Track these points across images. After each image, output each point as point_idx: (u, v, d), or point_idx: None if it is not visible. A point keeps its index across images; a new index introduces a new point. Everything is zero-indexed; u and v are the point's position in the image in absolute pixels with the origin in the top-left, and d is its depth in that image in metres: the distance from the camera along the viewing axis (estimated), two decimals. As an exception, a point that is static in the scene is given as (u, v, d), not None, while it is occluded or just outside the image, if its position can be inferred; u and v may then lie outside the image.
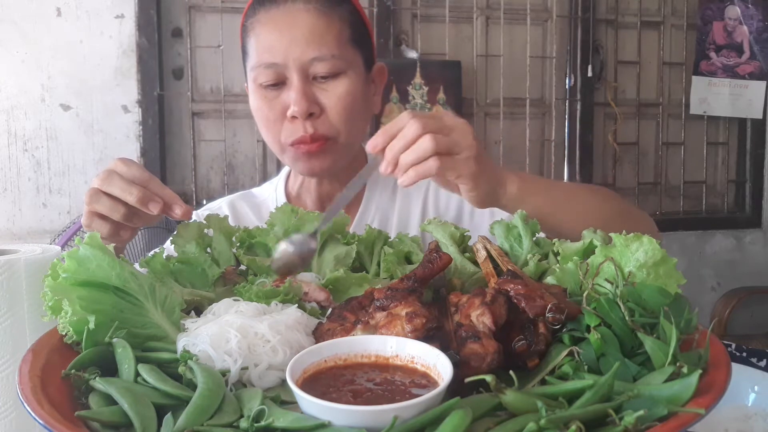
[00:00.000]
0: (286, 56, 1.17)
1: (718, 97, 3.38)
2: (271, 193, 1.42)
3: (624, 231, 0.75)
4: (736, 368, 0.62)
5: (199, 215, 1.39)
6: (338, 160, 1.25)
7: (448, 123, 0.91)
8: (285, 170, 1.43)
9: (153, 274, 0.84)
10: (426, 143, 0.86)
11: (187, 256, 0.90)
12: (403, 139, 0.88)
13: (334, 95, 1.19)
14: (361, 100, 1.25)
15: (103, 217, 0.93)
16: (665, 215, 3.38)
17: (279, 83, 1.19)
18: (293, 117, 1.18)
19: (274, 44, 1.17)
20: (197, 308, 0.80)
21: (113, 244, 0.75)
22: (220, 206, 1.42)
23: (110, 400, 0.59)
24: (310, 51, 1.17)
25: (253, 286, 0.82)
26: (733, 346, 1.20)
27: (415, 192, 1.38)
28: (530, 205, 0.97)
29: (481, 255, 0.89)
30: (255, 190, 1.48)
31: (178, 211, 0.92)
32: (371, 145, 0.89)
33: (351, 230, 1.01)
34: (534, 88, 3.13)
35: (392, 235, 1.02)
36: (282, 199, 1.37)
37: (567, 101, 3.22)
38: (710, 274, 3.43)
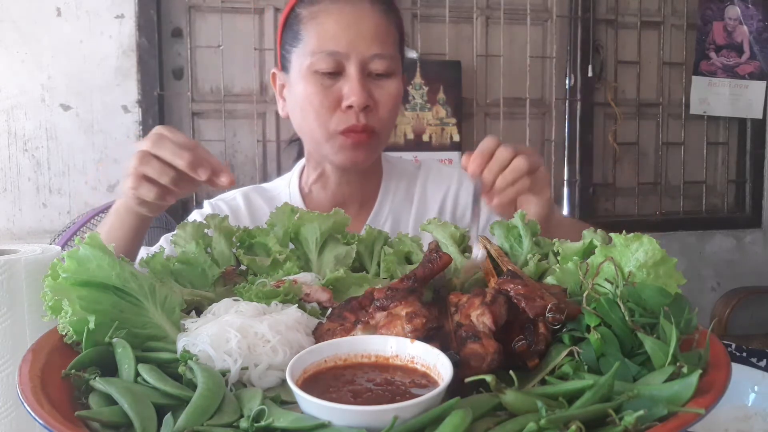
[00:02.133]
0: (349, 47, 1.21)
1: (718, 97, 3.38)
2: (284, 189, 1.43)
3: None
4: (736, 368, 0.62)
5: (212, 205, 1.40)
6: (374, 154, 1.32)
7: (522, 147, 1.01)
8: (298, 166, 1.44)
9: (153, 274, 0.84)
10: (521, 164, 0.98)
11: (187, 256, 0.90)
12: (499, 161, 0.98)
13: (386, 92, 1.26)
14: (401, 103, 1.33)
15: (150, 180, 0.94)
16: (665, 215, 3.38)
17: (336, 73, 1.22)
18: (348, 107, 1.22)
19: (340, 34, 1.22)
20: (197, 308, 0.80)
21: (113, 244, 0.75)
22: (235, 197, 1.43)
23: (110, 400, 0.59)
24: (374, 47, 1.22)
25: (253, 286, 0.82)
26: (733, 346, 1.20)
27: (432, 198, 1.42)
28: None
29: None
30: (266, 185, 1.50)
31: (224, 179, 0.93)
32: (474, 172, 0.98)
33: (363, 231, 1.01)
34: (534, 88, 3.13)
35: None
36: (296, 195, 1.39)
37: (567, 101, 3.22)
38: (710, 274, 3.43)
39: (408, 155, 2.82)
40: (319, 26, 1.24)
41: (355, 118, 1.22)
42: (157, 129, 0.96)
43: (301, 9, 1.27)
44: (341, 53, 1.21)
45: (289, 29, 1.29)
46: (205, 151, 0.94)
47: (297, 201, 1.38)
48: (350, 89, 1.21)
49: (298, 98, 1.27)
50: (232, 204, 1.40)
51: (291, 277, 0.85)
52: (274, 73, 1.36)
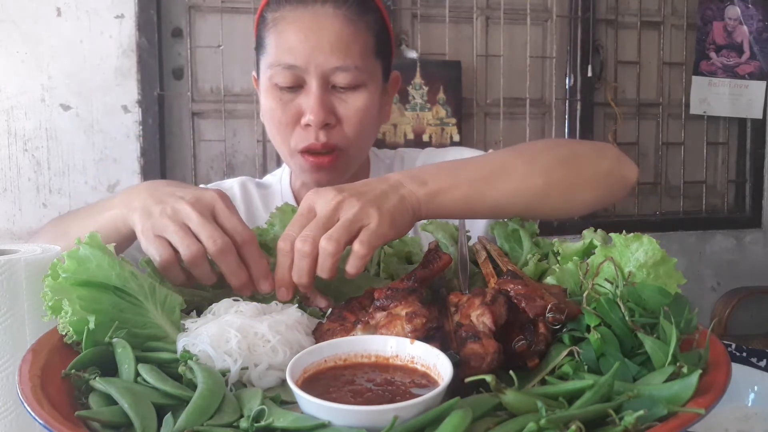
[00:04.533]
0: (307, 61, 1.12)
1: (718, 97, 3.38)
2: (275, 184, 1.41)
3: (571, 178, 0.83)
4: (736, 368, 0.62)
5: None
6: (344, 173, 1.22)
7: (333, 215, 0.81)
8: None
9: (153, 274, 0.84)
10: (331, 246, 0.77)
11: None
12: (303, 257, 0.78)
13: (351, 107, 1.16)
14: (376, 114, 1.22)
15: (188, 274, 0.82)
16: (665, 215, 3.38)
17: (296, 86, 1.15)
18: (307, 125, 1.15)
19: (297, 46, 1.12)
20: (197, 308, 0.80)
21: (113, 243, 0.75)
22: (232, 185, 1.42)
23: (110, 400, 0.59)
24: (334, 60, 1.12)
25: (253, 286, 0.81)
26: (733, 346, 1.20)
27: None
28: (451, 199, 0.89)
29: (481, 255, 0.89)
30: (260, 180, 1.48)
31: (263, 286, 0.81)
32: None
33: None
34: (534, 88, 3.13)
35: None
36: (287, 192, 1.37)
37: (567, 101, 3.22)
38: (710, 274, 3.43)
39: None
40: (277, 35, 1.15)
41: (315, 137, 1.14)
42: (214, 199, 0.83)
43: (267, 13, 1.18)
44: (299, 67, 1.12)
45: (258, 33, 1.21)
46: (256, 250, 0.82)
47: (288, 197, 1.36)
48: (308, 106, 1.13)
49: (263, 110, 1.21)
50: (230, 193, 1.38)
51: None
52: (254, 77, 1.30)
